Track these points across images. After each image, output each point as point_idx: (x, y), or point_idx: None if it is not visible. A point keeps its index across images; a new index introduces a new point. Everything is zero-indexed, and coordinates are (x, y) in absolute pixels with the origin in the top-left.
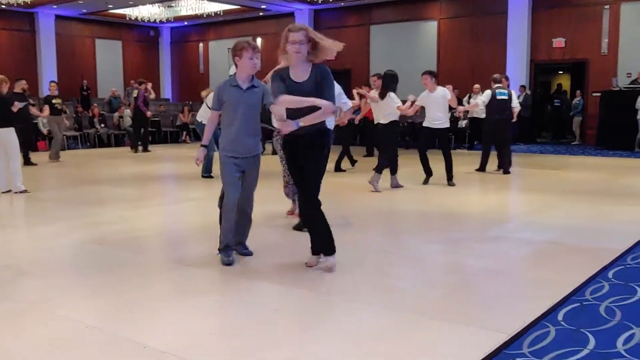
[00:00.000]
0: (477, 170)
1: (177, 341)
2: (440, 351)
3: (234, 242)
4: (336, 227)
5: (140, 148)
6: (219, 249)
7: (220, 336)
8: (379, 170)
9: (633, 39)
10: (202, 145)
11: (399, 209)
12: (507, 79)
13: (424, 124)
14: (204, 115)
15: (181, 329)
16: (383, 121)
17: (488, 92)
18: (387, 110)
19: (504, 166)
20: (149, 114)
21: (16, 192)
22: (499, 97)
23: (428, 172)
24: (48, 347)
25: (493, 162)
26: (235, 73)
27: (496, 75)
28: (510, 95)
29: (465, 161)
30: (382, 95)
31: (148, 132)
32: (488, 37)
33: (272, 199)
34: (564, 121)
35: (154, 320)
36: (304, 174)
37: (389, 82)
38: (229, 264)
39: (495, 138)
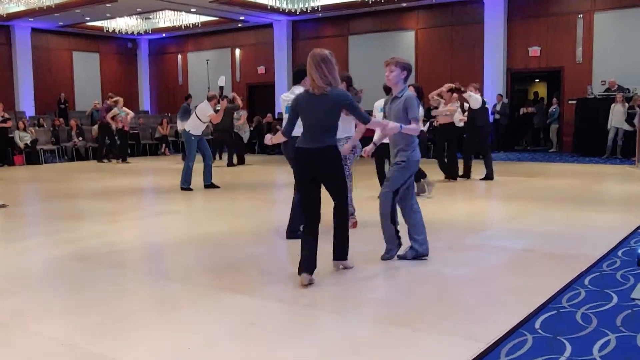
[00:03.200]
0: (462, 176)
1: (152, 357)
2: None
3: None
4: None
5: (105, 160)
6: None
7: (197, 351)
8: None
9: (606, 47)
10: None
11: (374, 219)
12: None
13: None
14: (192, 125)
15: (157, 345)
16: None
17: (479, 98)
18: None
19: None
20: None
21: None
22: (486, 105)
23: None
24: None
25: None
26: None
27: (477, 85)
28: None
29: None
30: None
31: (124, 143)
32: (465, 47)
33: (256, 210)
34: (535, 129)
35: (130, 336)
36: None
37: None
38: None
39: (481, 145)
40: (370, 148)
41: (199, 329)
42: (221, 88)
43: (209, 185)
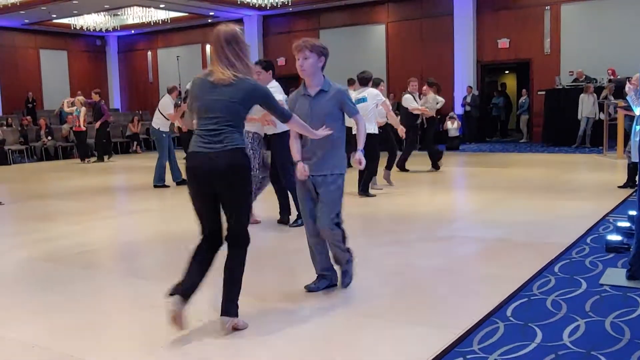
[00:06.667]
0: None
1: (125, 356)
2: (392, 351)
3: (319, 269)
4: (285, 232)
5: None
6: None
7: (170, 349)
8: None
9: (574, 38)
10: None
11: (348, 213)
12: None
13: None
14: (160, 122)
15: (130, 344)
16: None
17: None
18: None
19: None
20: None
21: None
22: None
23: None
24: None
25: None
26: None
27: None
28: None
29: (414, 161)
30: None
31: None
32: (435, 39)
33: None
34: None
35: (103, 336)
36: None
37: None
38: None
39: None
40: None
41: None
42: (187, 92)
43: (180, 182)
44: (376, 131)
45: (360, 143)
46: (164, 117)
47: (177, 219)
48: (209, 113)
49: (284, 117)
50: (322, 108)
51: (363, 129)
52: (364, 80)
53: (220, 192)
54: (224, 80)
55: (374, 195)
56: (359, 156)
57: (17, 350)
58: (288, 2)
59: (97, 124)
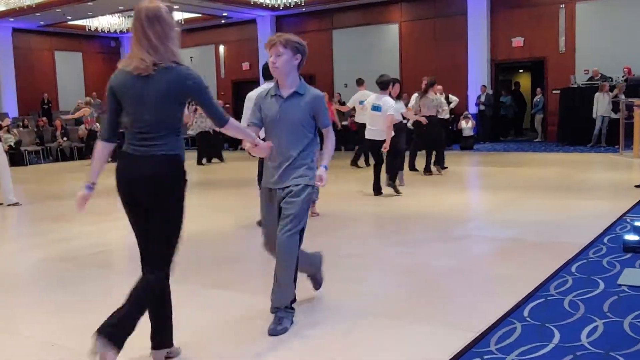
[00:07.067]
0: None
1: (138, 356)
2: (408, 352)
3: (307, 276)
4: None
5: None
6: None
7: (188, 348)
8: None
9: (588, 36)
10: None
11: (362, 212)
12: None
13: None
14: None
15: (143, 344)
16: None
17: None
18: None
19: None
20: None
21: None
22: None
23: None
24: None
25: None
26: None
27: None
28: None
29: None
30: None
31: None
32: (449, 39)
33: (242, 206)
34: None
35: None
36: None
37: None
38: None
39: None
40: None
41: (187, 326)
42: None
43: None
44: (382, 137)
45: (325, 159)
46: None
47: (190, 218)
48: (134, 113)
49: (219, 120)
50: (295, 112)
51: (332, 146)
52: (384, 84)
53: (146, 203)
54: (143, 69)
55: (386, 195)
56: (321, 172)
57: (37, 348)
58: (301, 2)
59: None
